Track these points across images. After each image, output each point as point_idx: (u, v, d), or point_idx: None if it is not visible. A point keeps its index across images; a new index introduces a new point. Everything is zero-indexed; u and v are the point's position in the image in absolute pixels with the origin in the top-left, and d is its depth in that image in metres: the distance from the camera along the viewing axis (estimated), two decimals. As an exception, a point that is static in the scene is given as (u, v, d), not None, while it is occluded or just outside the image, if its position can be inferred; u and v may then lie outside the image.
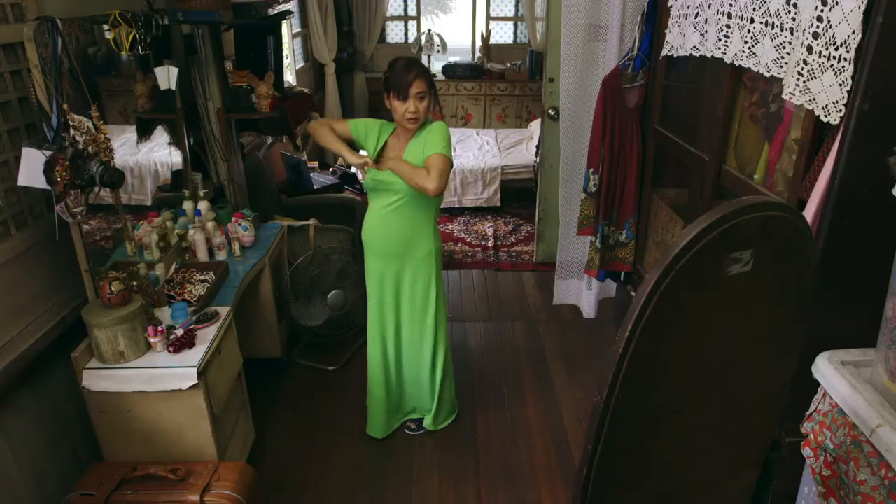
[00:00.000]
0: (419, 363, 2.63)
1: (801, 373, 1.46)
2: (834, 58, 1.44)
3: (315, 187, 4.48)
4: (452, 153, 2.30)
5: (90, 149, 1.90)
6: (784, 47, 1.66)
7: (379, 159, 2.38)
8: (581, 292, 3.63)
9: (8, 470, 1.87)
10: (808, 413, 1.58)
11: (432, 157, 2.21)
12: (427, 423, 2.77)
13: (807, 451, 1.55)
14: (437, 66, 6.85)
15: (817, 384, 1.53)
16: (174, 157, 2.89)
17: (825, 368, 1.49)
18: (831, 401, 1.47)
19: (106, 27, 2.26)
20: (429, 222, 2.41)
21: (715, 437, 1.17)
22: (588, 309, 3.62)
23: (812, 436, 1.54)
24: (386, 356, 2.62)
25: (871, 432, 1.29)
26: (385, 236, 2.40)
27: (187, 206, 2.83)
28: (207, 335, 2.13)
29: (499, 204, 5.43)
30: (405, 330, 2.58)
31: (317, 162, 5.44)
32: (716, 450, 1.20)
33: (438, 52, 6.72)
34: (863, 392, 1.37)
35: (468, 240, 4.85)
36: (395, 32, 7.11)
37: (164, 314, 2.22)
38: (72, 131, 1.85)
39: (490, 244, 4.77)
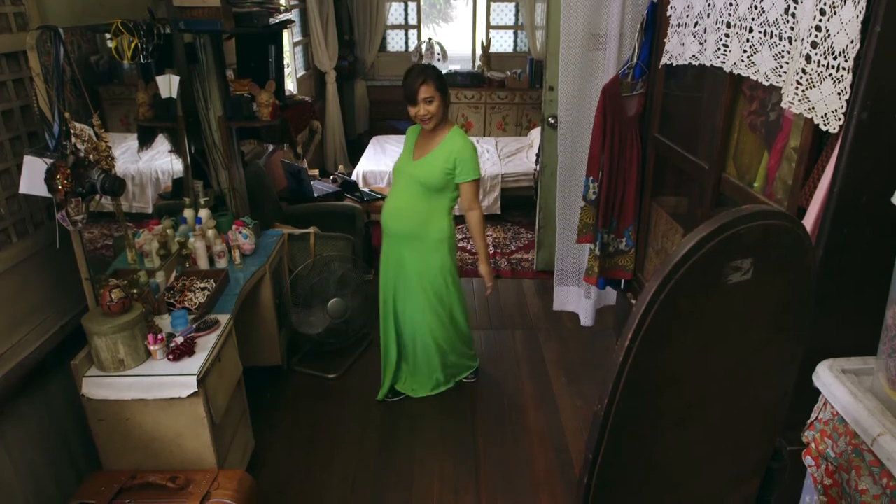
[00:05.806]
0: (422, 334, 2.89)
1: (802, 381, 1.46)
2: (832, 67, 1.45)
3: (315, 195, 4.48)
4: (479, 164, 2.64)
5: (91, 157, 1.91)
6: (783, 56, 1.67)
7: (414, 152, 2.66)
8: (580, 300, 3.63)
9: (7, 478, 1.86)
10: (809, 422, 1.58)
11: (464, 187, 2.59)
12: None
13: (808, 460, 1.55)
14: (437, 75, 6.88)
15: (818, 392, 1.53)
16: (175, 165, 2.90)
17: (826, 377, 1.48)
18: (832, 409, 1.47)
19: (108, 36, 2.28)
20: (443, 210, 2.64)
21: (716, 446, 1.16)
22: (586, 317, 3.61)
23: (813, 444, 1.54)
24: (397, 329, 2.89)
25: (872, 441, 1.29)
26: (405, 217, 2.64)
27: (188, 213, 2.84)
28: (207, 343, 2.13)
29: (499, 212, 5.44)
30: (409, 305, 2.80)
31: (317, 170, 5.45)
32: (717, 459, 1.19)
33: (439, 60, 6.75)
34: (864, 400, 1.36)
35: (468, 248, 4.85)
36: (395, 41, 7.14)
37: (165, 322, 2.23)
38: (73, 139, 1.85)
39: (490, 252, 4.77)
